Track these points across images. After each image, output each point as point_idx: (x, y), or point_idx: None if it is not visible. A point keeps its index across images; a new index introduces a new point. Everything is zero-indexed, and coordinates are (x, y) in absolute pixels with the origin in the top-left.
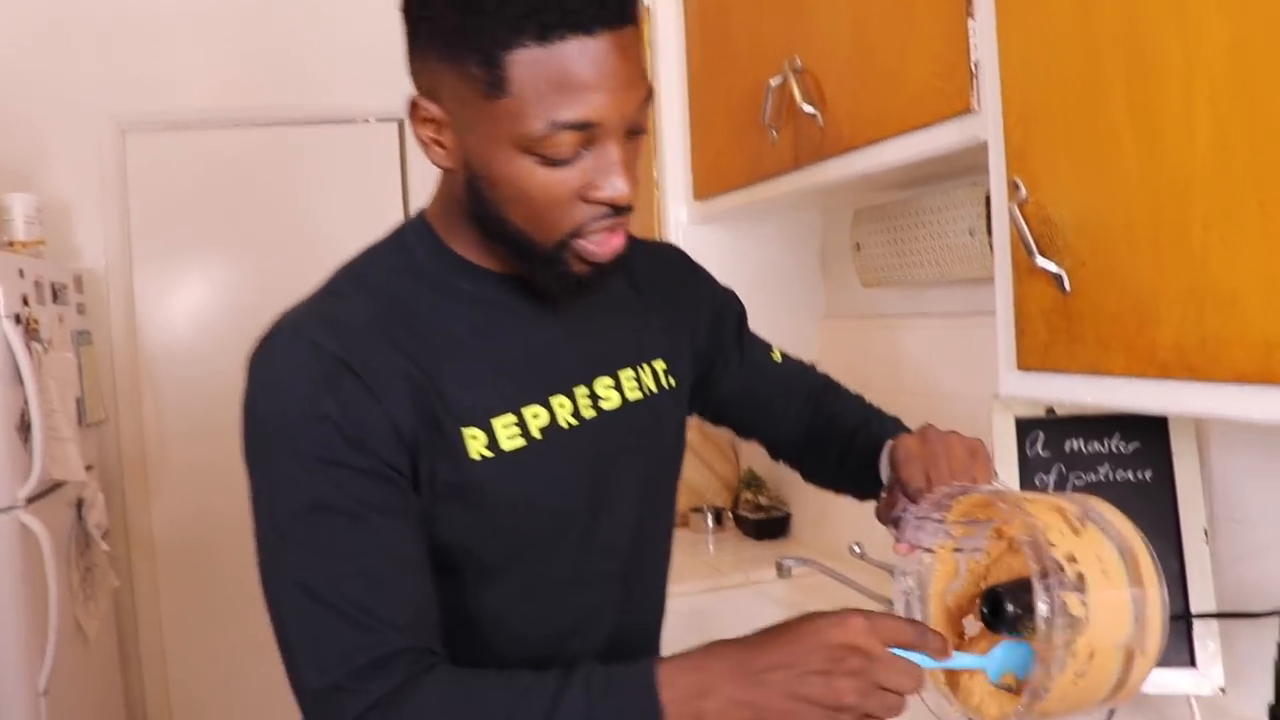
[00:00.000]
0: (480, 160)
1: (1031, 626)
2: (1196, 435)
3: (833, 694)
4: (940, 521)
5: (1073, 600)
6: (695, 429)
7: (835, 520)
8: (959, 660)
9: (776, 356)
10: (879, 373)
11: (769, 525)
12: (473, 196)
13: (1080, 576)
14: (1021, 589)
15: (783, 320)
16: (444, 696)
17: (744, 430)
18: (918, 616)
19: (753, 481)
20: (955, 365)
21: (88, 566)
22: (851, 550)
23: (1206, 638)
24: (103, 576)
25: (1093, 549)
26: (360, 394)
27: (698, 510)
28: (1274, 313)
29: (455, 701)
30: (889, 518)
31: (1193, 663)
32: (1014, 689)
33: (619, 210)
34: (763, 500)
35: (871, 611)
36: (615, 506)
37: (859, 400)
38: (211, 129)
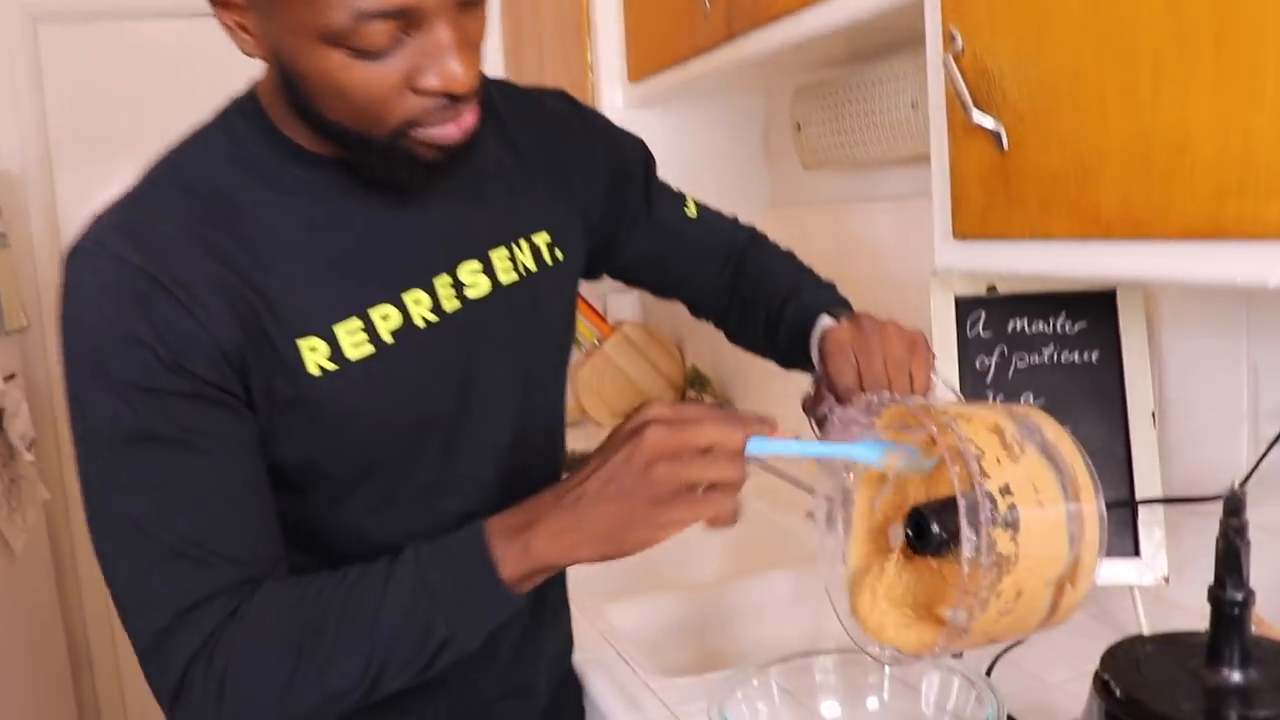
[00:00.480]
0: (287, 53)
1: (958, 554)
2: (1146, 315)
3: (646, 484)
4: (869, 426)
5: (1003, 538)
6: (639, 327)
7: (782, 420)
8: (792, 445)
9: (691, 210)
10: (824, 261)
11: None
12: (289, 89)
13: (1013, 511)
14: (950, 510)
15: (726, 210)
16: (275, 605)
17: (660, 292)
18: (839, 525)
19: (697, 380)
20: (903, 251)
21: (12, 479)
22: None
23: (1152, 525)
24: (30, 489)
25: (1030, 476)
26: (174, 312)
27: None
28: (1227, 160)
29: (288, 607)
30: (815, 414)
31: (1136, 552)
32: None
33: (458, 97)
34: (707, 399)
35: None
36: (488, 407)
37: (788, 260)
38: (131, 19)
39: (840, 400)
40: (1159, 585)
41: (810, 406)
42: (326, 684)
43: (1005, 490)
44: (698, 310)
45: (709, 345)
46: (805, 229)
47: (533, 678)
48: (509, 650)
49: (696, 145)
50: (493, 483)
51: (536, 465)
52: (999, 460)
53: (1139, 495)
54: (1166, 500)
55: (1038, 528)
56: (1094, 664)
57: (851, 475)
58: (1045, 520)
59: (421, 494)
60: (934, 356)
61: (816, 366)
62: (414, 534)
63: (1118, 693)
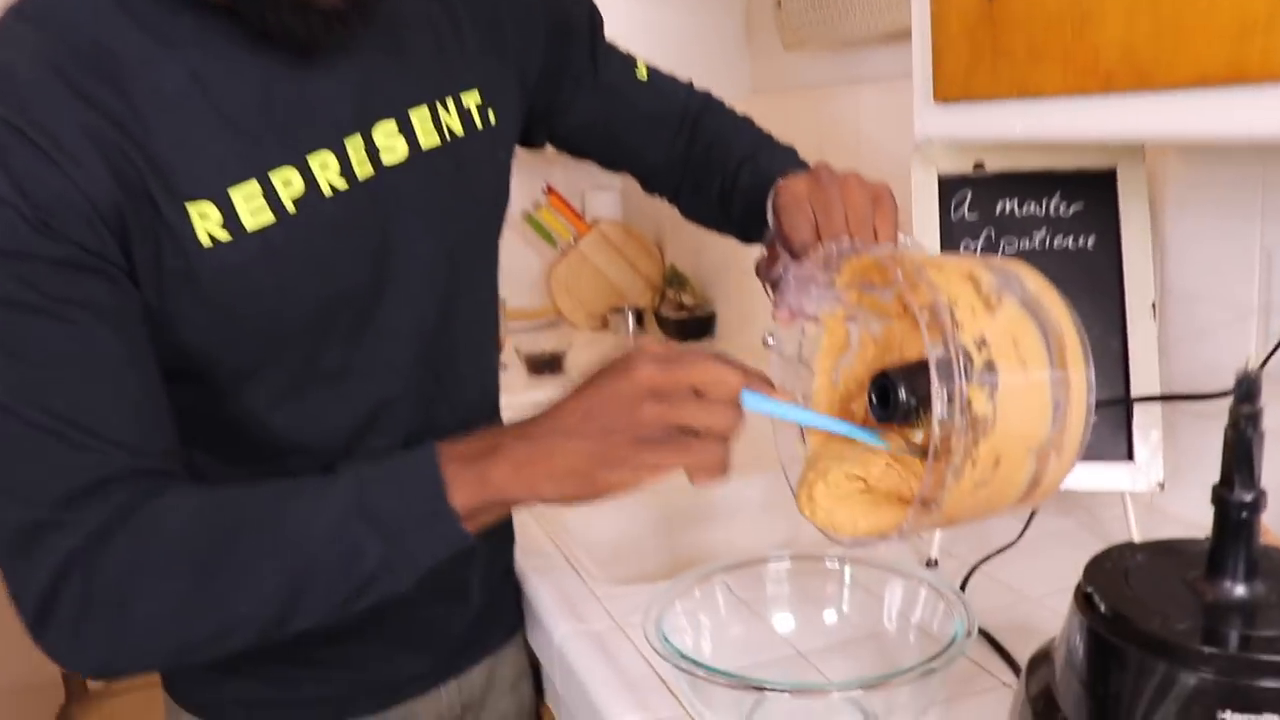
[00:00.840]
0: None
1: (928, 421)
2: (1149, 196)
3: (631, 422)
4: (829, 285)
5: (978, 396)
6: (617, 225)
7: (763, 319)
8: (790, 410)
9: (642, 73)
10: (806, 148)
11: (692, 325)
12: None
13: (990, 365)
14: (919, 373)
15: None
16: (178, 511)
17: (609, 163)
18: (799, 400)
19: (676, 280)
20: (886, 136)
21: None
22: (765, 341)
23: (1148, 427)
24: None
25: (1009, 330)
26: (38, 164)
27: (618, 311)
28: None
29: (194, 513)
30: (769, 277)
31: (1130, 456)
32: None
33: None
34: (686, 299)
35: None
36: (408, 285)
37: (746, 125)
38: None
39: (796, 258)
40: (1153, 492)
41: (764, 270)
42: (229, 608)
43: (981, 343)
44: (649, 183)
45: (690, 245)
46: (787, 115)
47: (464, 575)
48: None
49: (677, 27)
50: (411, 368)
51: (465, 351)
52: (974, 311)
53: (1135, 393)
54: (1165, 398)
55: (1018, 387)
56: (1077, 576)
57: (804, 343)
58: (1027, 379)
59: (331, 381)
60: (898, 210)
61: (771, 225)
62: (323, 426)
63: (1102, 607)
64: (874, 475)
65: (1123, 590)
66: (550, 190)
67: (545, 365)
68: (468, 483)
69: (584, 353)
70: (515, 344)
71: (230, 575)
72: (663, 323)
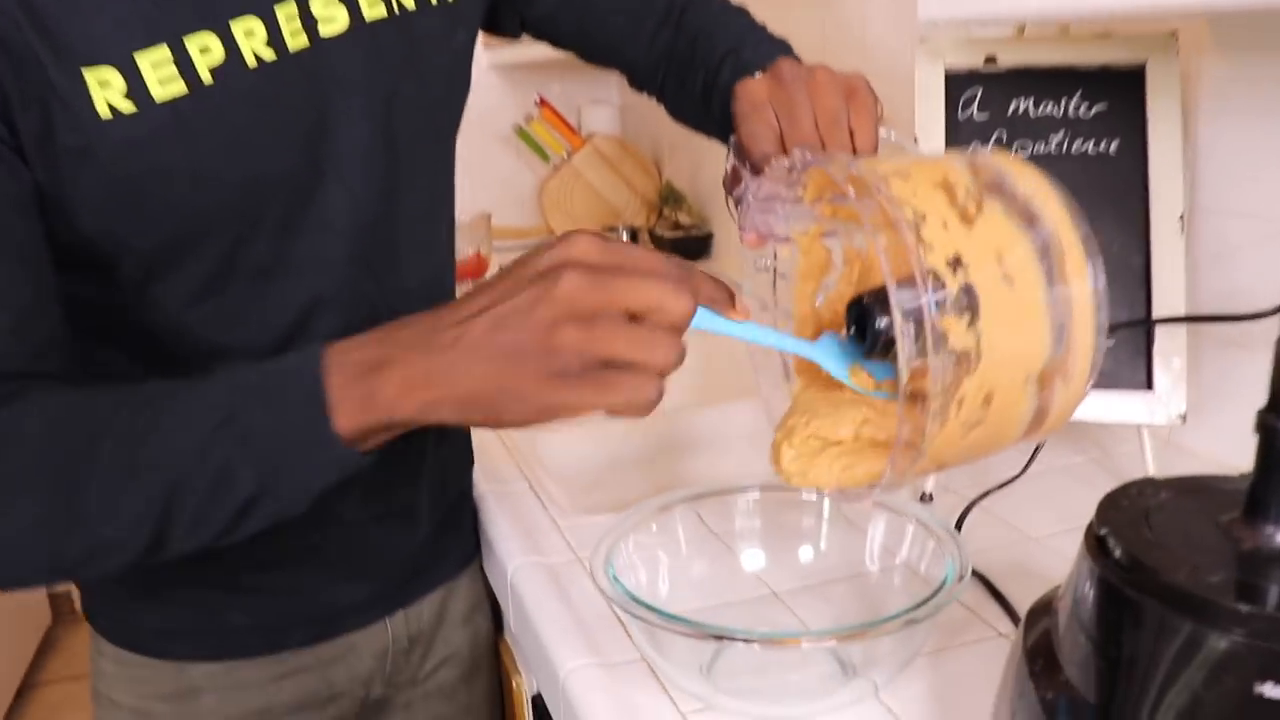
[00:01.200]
0: None
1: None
2: (1181, 96)
3: (544, 349)
4: (794, 200)
5: (955, 327)
6: (613, 140)
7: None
8: (751, 330)
9: None
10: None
11: (687, 245)
12: None
13: (968, 290)
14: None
15: None
16: (39, 418)
17: (591, 56)
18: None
19: (672, 197)
20: (895, 41)
21: None
22: (757, 264)
23: (1170, 354)
24: None
25: (991, 244)
26: None
27: (611, 230)
28: None
29: (55, 424)
30: (734, 195)
31: (1149, 385)
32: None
33: None
34: (682, 218)
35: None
36: (342, 172)
37: (737, 16)
38: None
39: (757, 172)
40: (1172, 426)
41: (729, 187)
42: (92, 528)
43: (955, 263)
44: (634, 79)
45: (689, 162)
46: (789, 9)
47: (410, 498)
48: (372, 459)
49: None
50: (346, 266)
51: (410, 254)
52: (946, 225)
53: (1157, 315)
54: (1193, 319)
55: (1006, 310)
56: (1087, 516)
57: (775, 264)
58: (1016, 300)
59: (256, 278)
60: (880, 104)
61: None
62: (247, 328)
63: (1117, 553)
64: (845, 434)
65: (1143, 533)
66: (543, 102)
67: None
68: (354, 403)
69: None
70: (500, 261)
71: (89, 494)
72: (658, 242)
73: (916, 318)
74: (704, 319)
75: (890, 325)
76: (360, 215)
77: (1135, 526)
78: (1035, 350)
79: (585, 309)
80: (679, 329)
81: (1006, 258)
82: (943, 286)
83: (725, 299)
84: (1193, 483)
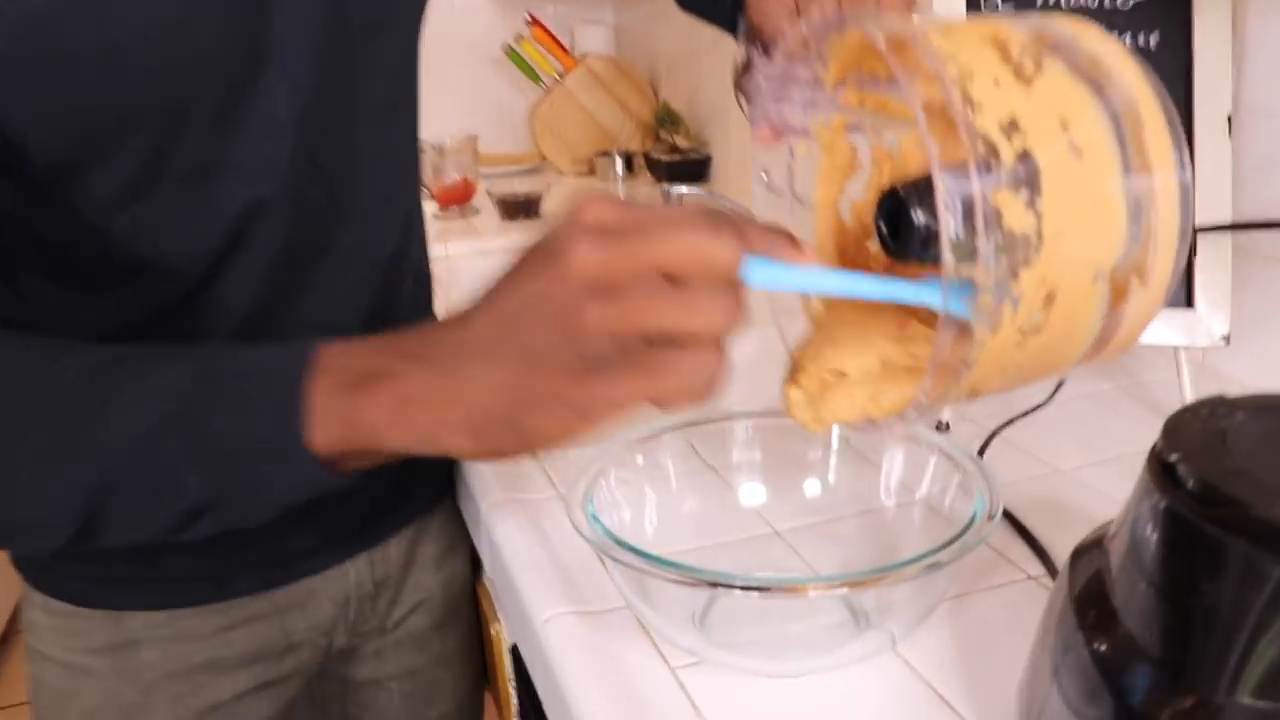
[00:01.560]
0: None
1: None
2: None
3: (567, 338)
4: (815, 85)
5: (1011, 204)
6: (607, 61)
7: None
8: (818, 276)
9: None
10: None
11: (684, 169)
12: None
13: (1026, 156)
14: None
15: None
16: None
17: None
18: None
19: (668, 119)
20: None
21: None
22: (759, 179)
23: (1214, 268)
24: None
25: (1054, 107)
26: None
27: (606, 155)
28: None
29: None
30: (745, 87)
31: (1190, 303)
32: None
33: None
34: (679, 141)
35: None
36: (286, 60)
37: None
38: None
39: (769, 54)
40: (1214, 348)
41: (740, 79)
42: (13, 511)
43: (1010, 127)
44: None
45: (686, 82)
46: None
47: None
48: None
49: None
50: (288, 164)
51: (364, 157)
52: (998, 83)
53: (1201, 224)
54: (1240, 226)
55: (1073, 187)
56: (1120, 447)
57: (791, 161)
58: (1086, 176)
59: (186, 178)
60: None
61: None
62: (180, 236)
63: (1190, 483)
64: (870, 363)
65: (1220, 459)
66: (533, 21)
67: (520, 209)
68: (335, 416)
69: (563, 196)
70: (488, 187)
71: (12, 472)
72: (653, 165)
73: (963, 190)
74: (761, 272)
75: (930, 219)
76: (306, 109)
77: (1213, 451)
78: (1108, 240)
79: (609, 278)
80: (730, 281)
81: (1073, 126)
82: (995, 154)
83: (784, 242)
84: (1273, 401)
